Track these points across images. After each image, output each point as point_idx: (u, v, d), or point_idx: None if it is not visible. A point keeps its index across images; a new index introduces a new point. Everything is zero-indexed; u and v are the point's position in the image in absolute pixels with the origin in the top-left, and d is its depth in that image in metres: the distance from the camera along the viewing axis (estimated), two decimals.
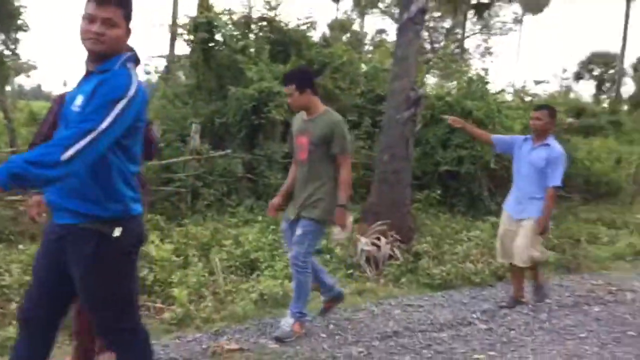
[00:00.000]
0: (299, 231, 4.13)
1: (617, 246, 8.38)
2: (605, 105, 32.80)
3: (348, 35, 43.46)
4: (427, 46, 33.55)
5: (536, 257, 5.07)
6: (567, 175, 13.35)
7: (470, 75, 12.98)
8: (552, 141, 5.11)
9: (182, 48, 15.82)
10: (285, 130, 10.39)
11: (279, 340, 4.12)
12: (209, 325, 4.35)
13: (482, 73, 12.68)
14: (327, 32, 36.94)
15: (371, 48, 41.09)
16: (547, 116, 5.14)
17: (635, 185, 15.79)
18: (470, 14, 35.08)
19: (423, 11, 8.14)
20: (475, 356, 3.94)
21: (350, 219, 4.01)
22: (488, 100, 11.62)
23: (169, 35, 20.18)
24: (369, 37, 44.21)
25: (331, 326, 4.47)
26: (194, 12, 12.36)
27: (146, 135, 3.23)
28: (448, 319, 4.76)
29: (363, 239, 6.99)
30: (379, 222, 7.35)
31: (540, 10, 43.77)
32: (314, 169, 4.15)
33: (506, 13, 41.20)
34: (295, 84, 4.10)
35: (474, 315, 4.88)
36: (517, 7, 40.14)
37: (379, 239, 7.08)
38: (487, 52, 36.43)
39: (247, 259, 6.15)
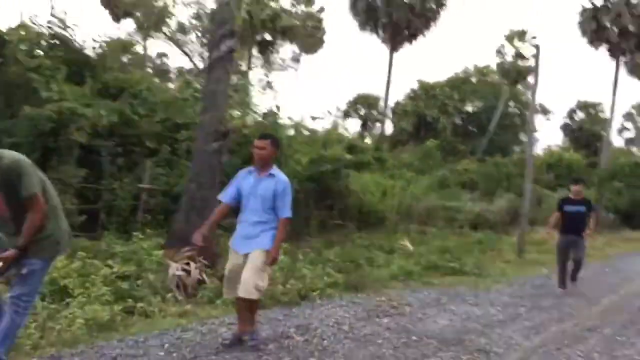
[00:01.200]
0: (24, 270, 3.72)
1: (391, 268, 9.73)
2: (367, 141, 36.57)
3: (129, 56, 42.34)
4: None
5: (261, 287, 4.79)
6: (345, 206, 15.01)
7: (263, 110, 13.86)
8: (276, 171, 4.98)
9: None
10: (83, 153, 10.14)
11: None
12: (39, 351, 4.32)
13: (275, 109, 13.62)
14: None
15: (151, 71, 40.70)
16: (271, 145, 4.94)
17: (398, 215, 18.10)
18: (254, 49, 36.77)
19: (232, 51, 8.75)
20: None
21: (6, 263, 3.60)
22: (281, 135, 12.56)
23: None
24: (152, 60, 43.56)
25: (166, 345, 4.73)
26: None
27: None
28: (270, 334, 5.31)
29: (174, 265, 7.23)
30: (187, 248, 7.63)
31: (315, 51, 47.32)
32: (17, 222, 3.71)
33: (286, 51, 43.86)
34: None
35: (291, 330, 5.51)
36: (295, 47, 43.01)
37: (188, 264, 7.38)
38: (269, 86, 38.40)
39: (57, 286, 6.04)
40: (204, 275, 7.40)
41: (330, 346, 5.10)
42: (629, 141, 58.18)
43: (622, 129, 59.30)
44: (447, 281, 9.50)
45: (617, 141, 56.42)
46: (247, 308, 4.85)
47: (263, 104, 15.22)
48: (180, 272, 7.11)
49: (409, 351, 5.11)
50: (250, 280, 4.69)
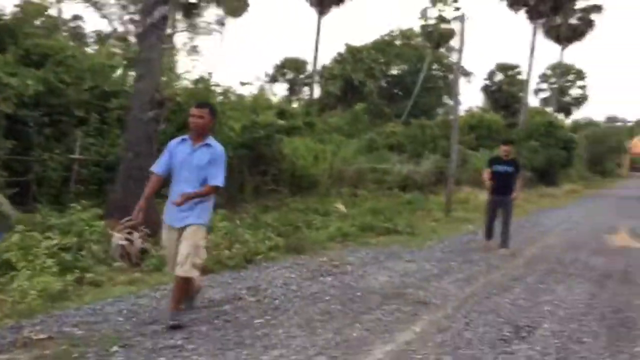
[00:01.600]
0: None
1: (329, 230, 10.05)
2: (295, 106, 36.61)
3: (42, 19, 40.19)
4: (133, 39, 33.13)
5: (198, 264, 4.65)
6: (278, 171, 15.17)
7: (193, 76, 13.70)
8: (212, 140, 4.80)
9: None
10: (9, 124, 9.80)
11: None
12: None
13: (206, 75, 13.49)
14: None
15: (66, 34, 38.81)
16: (209, 114, 4.79)
17: (330, 180, 18.46)
18: (178, 12, 35.85)
19: (165, 17, 8.64)
20: (257, 320, 4.78)
21: None
22: (213, 102, 12.50)
23: None
24: (67, 24, 41.58)
25: (124, 311, 4.83)
26: None
27: None
28: (222, 296, 5.50)
29: (117, 235, 7.24)
30: (128, 218, 7.62)
31: (240, 15, 46.54)
32: None
33: (210, 14, 42.92)
34: None
35: (242, 292, 5.73)
36: (220, 10, 42.18)
37: (130, 233, 7.41)
38: (194, 50, 37.66)
39: None
40: (147, 244, 7.47)
41: (282, 305, 5.36)
42: (544, 101, 61.07)
43: (538, 90, 62.18)
44: (382, 241, 9.94)
45: (534, 101, 59.14)
46: (183, 285, 4.63)
47: (192, 70, 14.98)
48: (123, 242, 7.14)
49: (355, 306, 5.45)
50: (188, 259, 4.50)
